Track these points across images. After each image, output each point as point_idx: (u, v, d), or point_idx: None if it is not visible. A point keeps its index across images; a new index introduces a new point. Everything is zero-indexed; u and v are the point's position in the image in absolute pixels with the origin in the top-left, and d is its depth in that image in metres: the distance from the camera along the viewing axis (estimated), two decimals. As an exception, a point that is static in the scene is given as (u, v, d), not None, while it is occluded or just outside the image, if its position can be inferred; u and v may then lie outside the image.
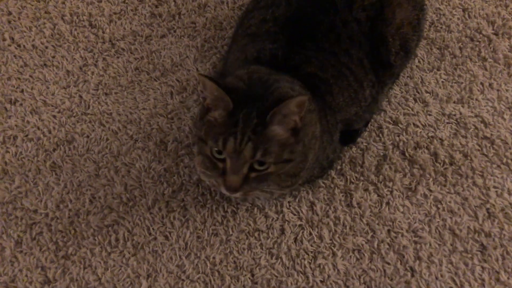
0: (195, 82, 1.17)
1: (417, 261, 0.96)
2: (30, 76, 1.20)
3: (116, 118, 1.13)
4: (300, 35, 0.92)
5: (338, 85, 0.94)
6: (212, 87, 0.78)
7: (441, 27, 1.26)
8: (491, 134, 1.10)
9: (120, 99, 1.16)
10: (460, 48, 1.22)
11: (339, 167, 1.06)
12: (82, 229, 1.00)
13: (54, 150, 1.09)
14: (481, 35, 1.23)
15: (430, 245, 0.98)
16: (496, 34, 1.24)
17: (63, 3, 1.30)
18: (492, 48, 1.21)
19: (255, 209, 1.02)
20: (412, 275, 0.95)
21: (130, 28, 1.26)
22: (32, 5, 1.30)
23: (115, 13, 1.28)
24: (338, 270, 0.96)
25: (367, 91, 1.00)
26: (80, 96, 1.17)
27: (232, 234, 1.00)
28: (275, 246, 0.98)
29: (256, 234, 1.00)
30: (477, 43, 1.22)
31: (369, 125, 1.10)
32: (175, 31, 1.25)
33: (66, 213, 1.02)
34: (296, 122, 0.80)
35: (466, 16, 1.27)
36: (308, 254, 0.97)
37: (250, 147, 0.78)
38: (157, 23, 1.27)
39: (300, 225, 1.01)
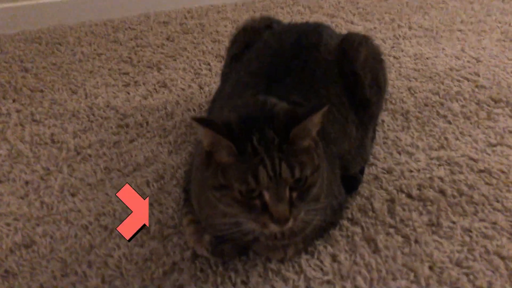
0: (172, 171, 1.08)
1: (479, 292, 0.78)
2: (-19, 191, 1.04)
3: (85, 213, 0.97)
4: (278, 75, 0.93)
5: (326, 116, 0.91)
6: (207, 133, 0.70)
7: (395, 101, 1.35)
8: (485, 167, 1.07)
9: (89, 197, 1.02)
10: (420, 112, 1.29)
11: (349, 216, 0.94)
12: None
13: (6, 257, 0.87)
14: (432, 101, 1.33)
15: (483, 273, 0.82)
16: (444, 99, 1.35)
17: (23, 129, 1.25)
18: (447, 108, 1.30)
19: (269, 273, 0.83)
20: (481, 307, 0.76)
21: (96, 138, 1.20)
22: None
23: (79, 130, 1.24)
24: (392, 319, 0.74)
25: (353, 128, 0.98)
26: (42, 201, 1.01)
27: (248, 307, 0.77)
28: (307, 309, 0.77)
29: (278, 301, 0.78)
30: (432, 107, 1.31)
31: (364, 172, 1.04)
32: (144, 135, 1.22)
33: (21, 324, 0.75)
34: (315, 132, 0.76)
35: (412, 92, 1.39)
36: (349, 310, 0.76)
37: (286, 168, 0.68)
38: (124, 132, 1.23)
39: (328, 281, 0.81)
